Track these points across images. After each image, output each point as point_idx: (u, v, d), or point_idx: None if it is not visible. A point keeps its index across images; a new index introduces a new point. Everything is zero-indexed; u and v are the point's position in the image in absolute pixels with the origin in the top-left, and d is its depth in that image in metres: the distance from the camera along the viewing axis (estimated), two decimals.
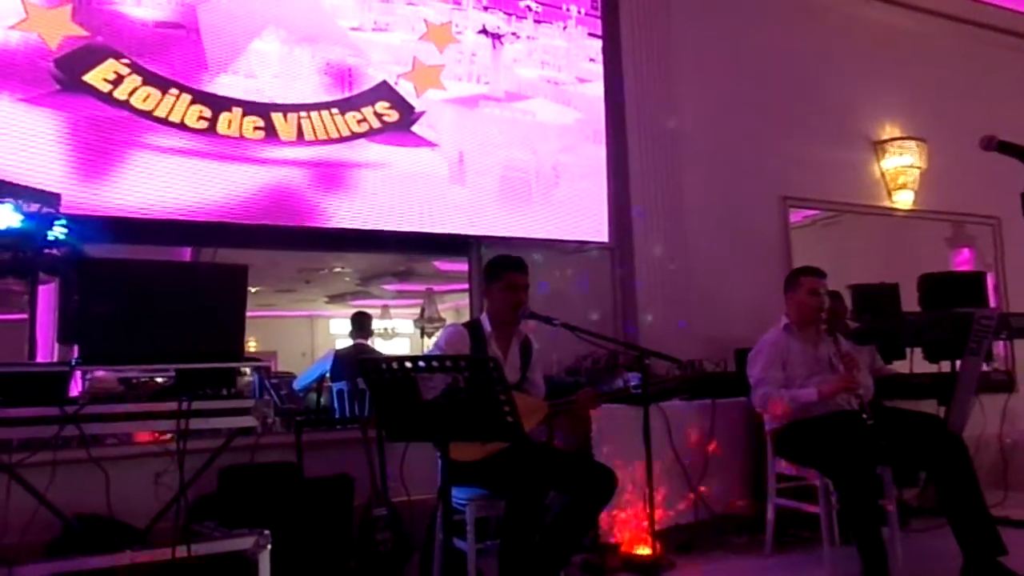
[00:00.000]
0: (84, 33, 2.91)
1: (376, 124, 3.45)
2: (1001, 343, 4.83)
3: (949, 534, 2.78)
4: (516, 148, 3.76)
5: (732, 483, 3.46)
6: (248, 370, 3.69)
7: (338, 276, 7.30)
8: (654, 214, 4.11)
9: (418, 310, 7.59)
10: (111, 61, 2.94)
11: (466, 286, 3.88)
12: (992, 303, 5.01)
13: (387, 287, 7.60)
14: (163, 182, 3.01)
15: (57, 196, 2.36)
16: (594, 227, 3.93)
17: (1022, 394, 4.45)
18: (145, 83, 2.98)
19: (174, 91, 3.03)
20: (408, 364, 2.05)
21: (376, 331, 7.28)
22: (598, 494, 2.49)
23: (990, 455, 4.03)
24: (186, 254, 3.65)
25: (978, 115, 4.86)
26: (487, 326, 2.74)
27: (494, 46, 3.78)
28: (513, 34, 3.83)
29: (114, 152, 2.94)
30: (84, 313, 1.80)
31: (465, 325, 2.78)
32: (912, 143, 5.10)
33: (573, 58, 3.98)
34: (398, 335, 8.54)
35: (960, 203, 5.32)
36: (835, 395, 2.97)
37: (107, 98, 2.92)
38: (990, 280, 5.14)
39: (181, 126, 3.04)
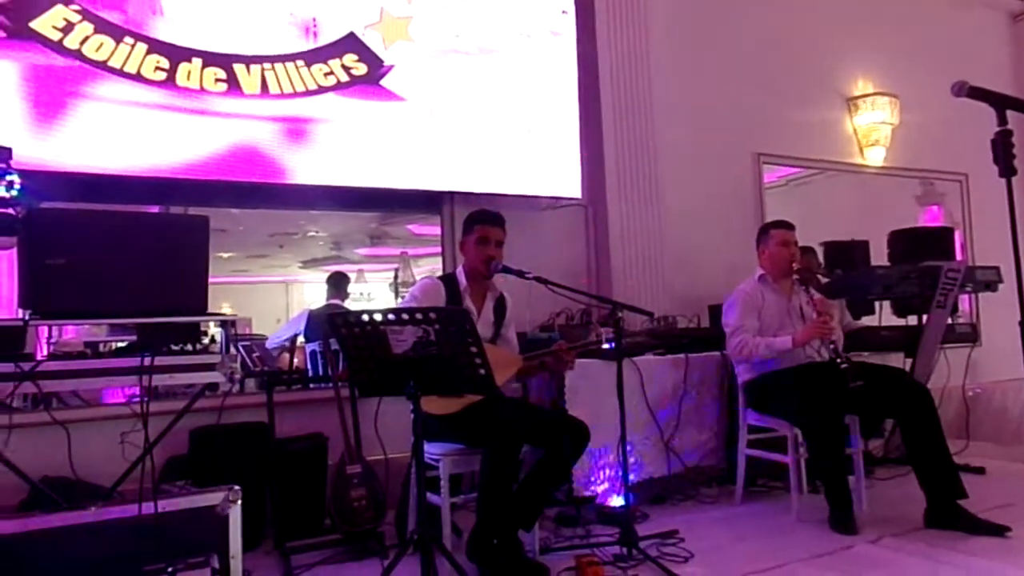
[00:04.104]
0: None
1: (344, 77, 3.35)
2: (967, 297, 4.93)
3: (912, 482, 2.87)
4: (487, 102, 3.68)
5: (704, 436, 3.51)
6: (217, 331, 3.62)
7: (312, 240, 7.18)
8: (627, 170, 4.08)
9: (393, 274, 7.52)
10: (60, 7, 2.79)
11: (440, 250, 3.83)
12: (959, 259, 5.10)
13: (360, 251, 7.51)
14: (120, 136, 2.89)
15: (8, 150, 2.25)
16: (567, 183, 3.89)
17: (986, 347, 4.55)
18: (97, 31, 2.85)
19: (129, 40, 2.90)
20: (377, 317, 2.02)
21: (352, 295, 7.21)
22: (571, 447, 2.50)
23: (954, 405, 4.14)
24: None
25: (949, 71, 4.85)
26: (462, 280, 2.71)
27: None
28: None
29: (67, 104, 2.81)
30: (35, 266, 1.72)
31: (441, 278, 2.75)
32: (884, 99, 5.11)
33: (545, 10, 3.88)
34: (373, 300, 8.47)
35: (930, 160, 5.37)
36: (810, 341, 3.01)
37: (57, 47, 2.78)
38: (958, 237, 5.22)
39: (138, 77, 2.91)
